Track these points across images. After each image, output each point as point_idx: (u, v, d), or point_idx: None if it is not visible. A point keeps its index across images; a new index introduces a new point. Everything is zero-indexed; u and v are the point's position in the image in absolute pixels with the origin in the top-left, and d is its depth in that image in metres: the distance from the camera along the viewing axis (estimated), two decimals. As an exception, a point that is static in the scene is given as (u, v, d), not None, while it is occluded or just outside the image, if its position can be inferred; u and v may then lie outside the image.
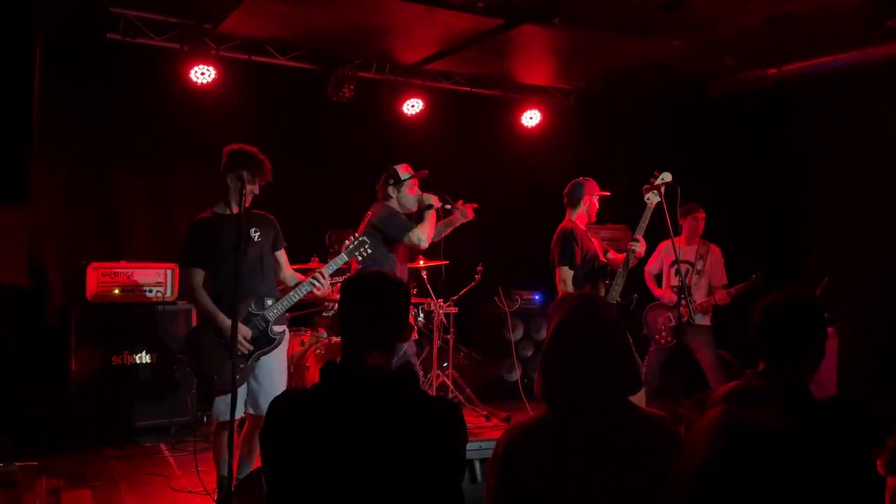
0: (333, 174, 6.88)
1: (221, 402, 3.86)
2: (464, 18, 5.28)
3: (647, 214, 4.60)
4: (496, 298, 6.77)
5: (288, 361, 5.52)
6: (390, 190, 4.69)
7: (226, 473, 4.01)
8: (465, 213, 4.88)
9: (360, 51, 6.46)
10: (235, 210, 3.90)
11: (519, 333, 7.04)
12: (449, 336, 6.29)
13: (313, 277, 3.98)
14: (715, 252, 5.74)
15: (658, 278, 5.84)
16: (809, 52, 5.92)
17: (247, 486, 3.50)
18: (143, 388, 5.31)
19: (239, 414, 3.90)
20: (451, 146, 7.27)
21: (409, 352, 4.60)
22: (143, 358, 5.39)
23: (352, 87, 6.42)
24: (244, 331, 3.81)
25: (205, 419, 5.54)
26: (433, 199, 4.67)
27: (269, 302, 3.94)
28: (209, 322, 3.86)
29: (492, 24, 5.45)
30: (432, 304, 6.19)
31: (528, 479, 1.84)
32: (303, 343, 5.67)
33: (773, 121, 6.70)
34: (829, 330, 5.85)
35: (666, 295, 5.62)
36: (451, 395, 6.17)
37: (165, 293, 5.56)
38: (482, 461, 2.72)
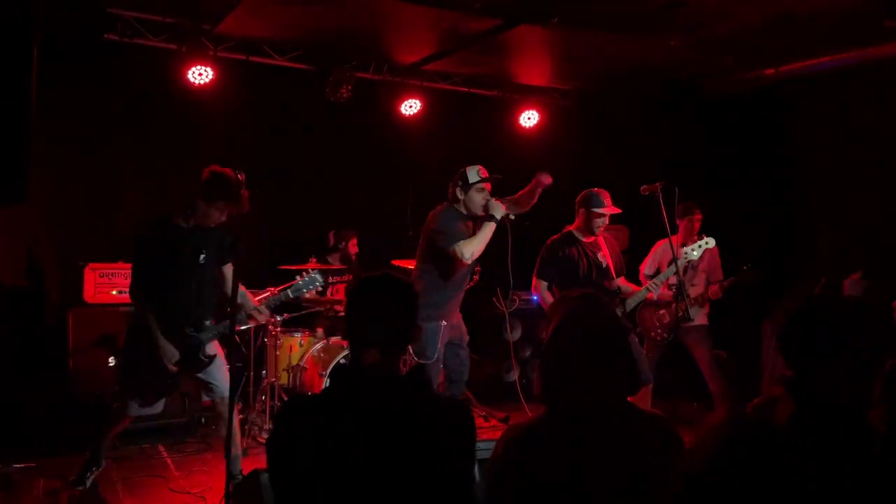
0: (331, 175, 6.88)
1: (135, 405, 4.02)
2: (461, 19, 5.28)
3: (679, 268, 4.69)
4: (494, 299, 6.76)
5: (286, 363, 5.55)
6: (458, 192, 4.51)
7: (102, 454, 4.19)
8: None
9: (358, 51, 6.46)
10: (192, 222, 3.96)
11: (517, 334, 7.04)
12: (447, 336, 6.28)
13: (254, 310, 4.05)
14: (713, 249, 5.76)
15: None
16: (808, 53, 5.92)
17: (246, 487, 3.49)
18: (140, 389, 5.29)
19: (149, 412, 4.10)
20: (449, 147, 7.25)
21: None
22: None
23: (350, 87, 6.42)
24: (172, 352, 3.88)
25: (202, 420, 5.54)
26: (500, 210, 4.40)
27: (207, 324, 4.01)
28: (144, 335, 3.91)
29: (489, 25, 5.44)
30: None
31: (526, 480, 1.84)
32: (301, 344, 5.66)
33: (772, 121, 6.70)
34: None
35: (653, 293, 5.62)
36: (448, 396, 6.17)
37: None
38: (481, 462, 2.71)
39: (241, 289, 4.16)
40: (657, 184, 4.65)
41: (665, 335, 5.61)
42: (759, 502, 1.27)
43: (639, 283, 5.29)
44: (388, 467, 1.82)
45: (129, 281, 5.46)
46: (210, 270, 4.00)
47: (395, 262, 6.25)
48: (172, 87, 5.88)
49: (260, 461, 4.88)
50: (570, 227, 4.95)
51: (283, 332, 5.59)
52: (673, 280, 5.17)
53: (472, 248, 4.30)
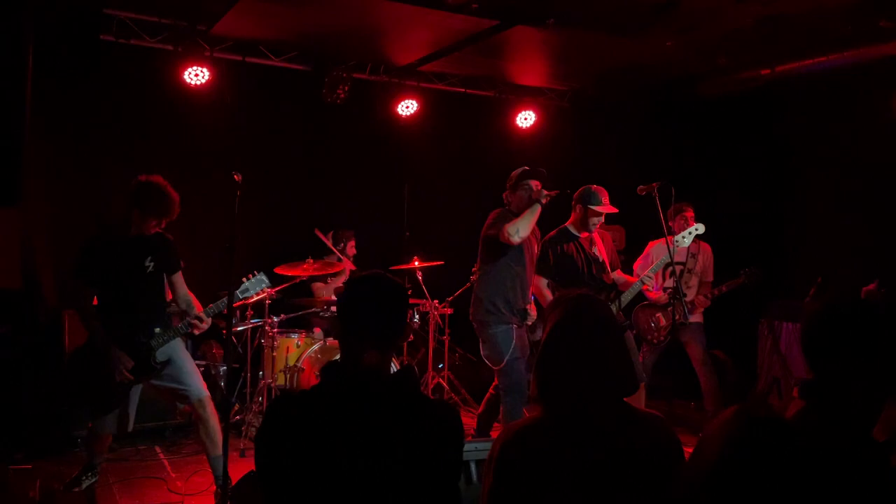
0: (328, 175, 6.88)
1: (108, 418, 4.03)
2: (458, 19, 5.28)
3: (671, 257, 4.71)
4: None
5: (283, 364, 5.55)
6: (506, 195, 4.73)
7: (98, 462, 4.18)
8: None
9: (355, 52, 6.45)
10: (134, 232, 3.98)
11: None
12: (444, 337, 6.29)
13: (197, 317, 4.04)
14: (706, 250, 5.77)
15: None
16: (802, 53, 5.94)
17: (243, 489, 3.49)
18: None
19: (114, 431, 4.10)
20: (446, 147, 7.27)
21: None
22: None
23: (346, 88, 6.42)
24: (126, 360, 3.88)
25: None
26: (543, 193, 4.54)
27: (157, 330, 4.01)
28: (93, 343, 3.93)
29: (486, 25, 5.45)
30: (428, 305, 6.19)
31: (523, 480, 1.84)
32: (298, 345, 5.66)
33: (766, 121, 6.72)
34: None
35: (655, 295, 5.63)
36: (446, 397, 6.17)
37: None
38: (478, 462, 2.71)
39: (189, 295, 4.21)
40: (653, 184, 4.66)
41: (662, 338, 5.62)
42: (762, 499, 1.28)
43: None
44: (385, 468, 1.82)
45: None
46: (158, 277, 4.02)
47: (394, 268, 6.27)
48: (168, 88, 5.88)
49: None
50: (566, 224, 4.95)
51: (279, 333, 5.59)
52: (670, 283, 5.19)
53: (517, 226, 4.41)
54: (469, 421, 5.94)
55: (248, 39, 6.12)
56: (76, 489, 4.11)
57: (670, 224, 5.66)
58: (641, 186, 4.71)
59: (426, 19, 5.35)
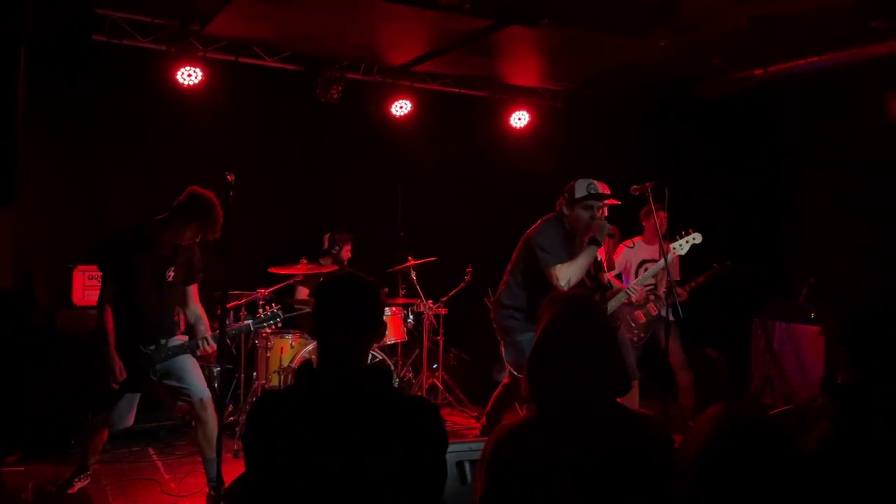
0: (321, 176, 6.87)
1: (116, 412, 4.01)
2: (452, 19, 5.28)
3: (661, 268, 4.70)
4: (486, 299, 6.76)
5: (277, 364, 5.54)
6: (563, 206, 4.30)
7: (90, 462, 4.18)
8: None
9: (348, 52, 6.44)
10: (165, 238, 3.93)
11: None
12: (439, 337, 6.29)
13: (203, 339, 4.01)
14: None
15: (619, 278, 5.83)
16: (796, 53, 5.96)
17: (237, 490, 3.48)
18: (130, 392, 5.26)
19: (126, 424, 4.10)
20: (440, 147, 7.27)
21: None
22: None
23: (340, 88, 6.41)
24: (121, 369, 3.85)
25: (193, 423, 5.50)
26: (606, 232, 4.16)
27: (162, 342, 3.98)
28: (97, 341, 3.89)
29: (480, 25, 5.45)
30: (422, 306, 6.19)
31: (518, 479, 1.84)
32: (292, 346, 5.64)
33: (762, 121, 6.73)
34: (816, 329, 5.90)
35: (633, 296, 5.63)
36: (441, 397, 6.17)
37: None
38: (472, 462, 2.71)
39: (200, 310, 4.17)
40: (647, 184, 4.66)
41: (641, 335, 5.64)
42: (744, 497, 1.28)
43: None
44: (364, 466, 1.84)
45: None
46: (177, 288, 3.97)
47: (391, 270, 6.26)
48: (161, 88, 5.86)
49: (251, 463, 4.87)
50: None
51: (273, 334, 5.58)
52: (649, 280, 5.22)
53: (570, 274, 4.10)
54: (463, 421, 5.95)
55: (241, 39, 6.11)
56: (69, 490, 4.10)
57: (643, 223, 5.71)
58: (635, 186, 4.72)
59: (420, 19, 5.34)
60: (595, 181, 4.72)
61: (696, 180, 6.75)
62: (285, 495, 1.85)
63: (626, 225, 6.01)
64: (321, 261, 6.15)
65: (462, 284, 6.31)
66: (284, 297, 5.86)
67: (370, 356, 2.60)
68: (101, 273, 3.97)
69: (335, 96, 6.41)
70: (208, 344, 4.00)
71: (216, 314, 4.09)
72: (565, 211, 4.28)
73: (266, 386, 5.48)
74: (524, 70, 7.06)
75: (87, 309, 5.32)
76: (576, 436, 1.85)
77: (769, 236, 6.72)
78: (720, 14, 5.16)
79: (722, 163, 6.96)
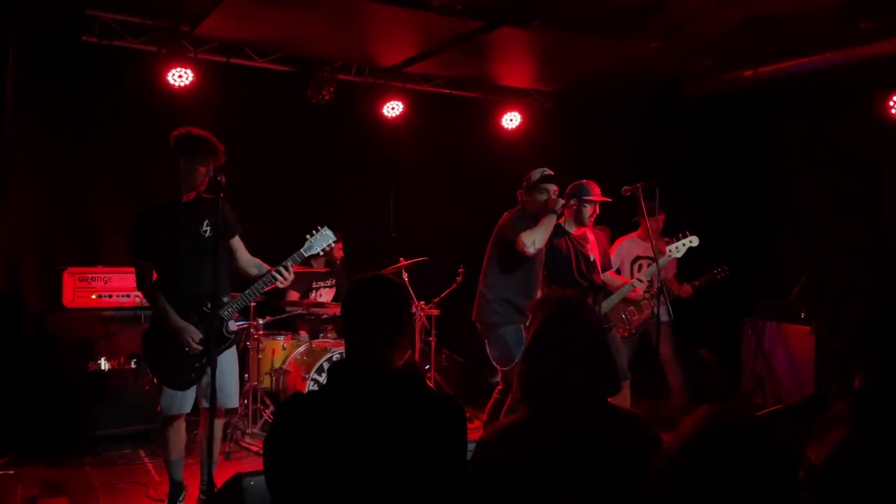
0: (313, 177, 6.86)
1: (169, 397, 3.85)
2: (443, 21, 5.28)
3: (658, 266, 4.72)
4: (478, 300, 6.77)
5: (269, 366, 5.52)
6: (522, 194, 4.65)
7: (179, 478, 4.02)
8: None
9: (340, 53, 6.44)
10: (185, 198, 3.85)
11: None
12: (431, 338, 6.29)
13: (277, 271, 3.87)
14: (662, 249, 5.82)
15: (618, 273, 5.85)
16: (785, 54, 5.99)
17: (227, 492, 3.47)
18: (120, 395, 5.24)
19: (185, 410, 3.91)
20: (432, 148, 7.27)
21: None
22: (121, 364, 5.32)
23: (331, 89, 6.40)
24: (195, 333, 3.77)
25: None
26: (559, 203, 4.49)
27: (225, 299, 3.87)
28: (159, 320, 3.81)
29: (471, 27, 5.45)
30: (414, 307, 6.18)
31: (510, 479, 1.84)
32: (283, 347, 5.63)
33: (753, 121, 6.76)
34: (806, 329, 5.93)
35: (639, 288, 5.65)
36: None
37: (143, 298, 5.50)
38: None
39: (256, 259, 4.05)
40: (638, 184, 4.68)
41: (633, 331, 5.67)
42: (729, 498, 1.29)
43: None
44: (395, 466, 1.84)
45: (108, 286, 5.50)
46: (216, 243, 3.73)
47: (385, 271, 6.25)
48: (152, 89, 5.84)
49: (242, 466, 4.85)
50: (559, 220, 4.95)
51: (265, 336, 5.57)
52: (655, 281, 5.22)
53: (534, 237, 4.36)
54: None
55: (232, 40, 6.10)
56: None
57: (639, 220, 5.73)
58: (626, 187, 4.74)
59: (411, 20, 5.34)
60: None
61: (688, 180, 6.77)
62: (312, 496, 1.85)
63: (619, 224, 6.04)
64: (313, 262, 6.13)
65: (454, 285, 6.31)
66: (275, 299, 5.85)
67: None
68: (135, 258, 3.86)
69: (326, 97, 6.40)
70: (286, 271, 3.86)
71: (206, 309, 3.99)
72: (524, 198, 4.59)
73: (258, 387, 5.46)
74: (516, 71, 7.07)
75: (77, 311, 5.32)
76: (568, 435, 1.85)
77: (758, 236, 6.75)
78: (710, 15, 5.18)
79: (713, 163, 6.98)
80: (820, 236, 6.21)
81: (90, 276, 5.40)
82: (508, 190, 7.38)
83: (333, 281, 6.33)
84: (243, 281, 4.06)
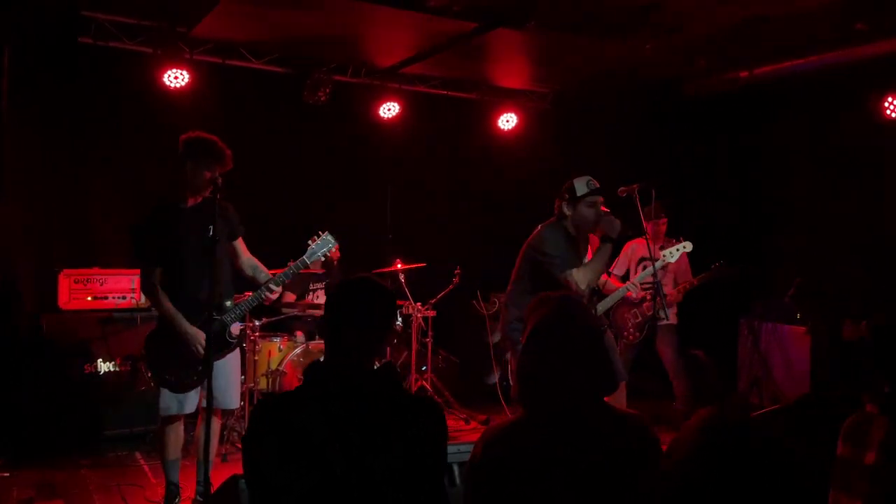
0: (309, 178, 6.85)
1: (169, 398, 3.84)
2: (439, 22, 5.28)
3: (657, 269, 4.70)
4: (474, 301, 6.77)
5: (265, 368, 5.51)
6: (565, 207, 4.04)
7: (175, 479, 4.01)
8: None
9: (336, 54, 6.44)
10: (191, 202, 3.85)
11: (497, 336, 7.03)
12: (427, 339, 6.29)
13: (265, 287, 3.92)
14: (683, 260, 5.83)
15: (624, 279, 5.86)
16: (781, 55, 6.00)
17: (224, 493, 3.46)
18: (116, 396, 5.23)
19: (186, 411, 3.90)
20: (428, 149, 7.27)
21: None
22: (117, 366, 5.31)
23: (327, 90, 6.40)
24: (200, 337, 3.77)
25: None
26: (616, 227, 3.92)
27: (228, 304, 3.89)
28: (167, 324, 3.80)
29: (467, 28, 5.46)
30: (410, 308, 6.18)
31: (509, 479, 1.84)
32: (280, 349, 5.62)
33: (750, 122, 6.78)
34: (802, 329, 5.94)
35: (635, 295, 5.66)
36: (429, 399, 6.16)
37: (139, 300, 5.50)
38: (461, 464, 2.71)
39: (255, 261, 4.06)
40: (634, 185, 4.68)
41: (638, 335, 5.67)
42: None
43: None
44: (373, 466, 1.85)
45: (104, 287, 5.49)
46: (221, 247, 3.79)
47: (377, 271, 6.24)
48: (148, 90, 5.83)
49: (239, 467, 4.83)
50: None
51: (261, 337, 5.56)
52: (647, 280, 5.23)
53: (588, 277, 3.91)
54: (452, 423, 5.94)
55: (228, 41, 6.09)
56: None
57: (644, 224, 5.72)
58: (622, 188, 4.73)
59: (407, 22, 5.34)
60: (591, 178, 4.73)
61: (686, 181, 6.79)
62: (289, 497, 1.84)
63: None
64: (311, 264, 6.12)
65: (450, 287, 6.31)
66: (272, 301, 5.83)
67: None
68: (141, 262, 3.85)
69: (323, 98, 6.40)
70: (271, 291, 3.91)
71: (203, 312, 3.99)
72: (567, 211, 4.05)
73: (255, 389, 5.45)
74: (512, 72, 7.08)
75: (73, 313, 5.30)
76: (567, 435, 1.85)
77: (753, 237, 6.76)
78: (706, 17, 5.19)
79: (708, 163, 7.00)
80: (818, 236, 6.23)
81: (86, 277, 5.39)
82: (505, 190, 7.45)
83: (331, 283, 6.33)
84: (244, 282, 4.08)
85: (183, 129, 6.19)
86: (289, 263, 4.10)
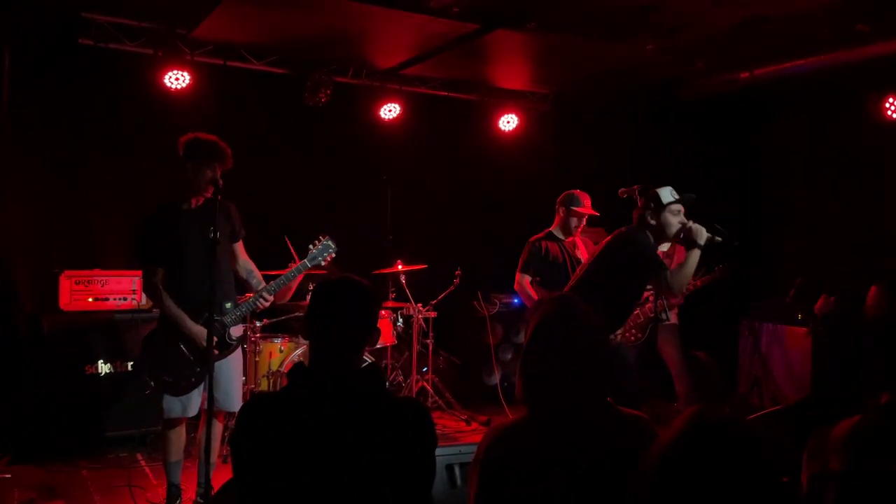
0: (310, 179, 6.85)
1: (171, 400, 3.85)
2: (439, 23, 5.29)
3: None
4: (475, 302, 6.77)
5: (266, 369, 5.51)
6: (648, 216, 4.01)
7: (177, 481, 4.02)
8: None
9: (337, 55, 6.44)
10: (194, 203, 3.86)
11: (498, 337, 7.05)
12: (428, 341, 6.29)
13: (258, 296, 3.95)
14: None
15: None
16: (781, 55, 6.00)
17: (225, 496, 3.46)
18: (117, 398, 5.23)
19: (189, 413, 3.92)
20: (429, 151, 7.28)
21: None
22: (118, 367, 5.32)
23: (328, 91, 6.40)
24: (204, 333, 3.76)
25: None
26: (703, 234, 3.91)
27: (228, 306, 3.90)
28: (169, 325, 3.81)
29: (467, 29, 5.46)
30: (411, 309, 6.18)
31: (513, 479, 1.84)
32: (281, 350, 5.62)
33: (748, 123, 6.78)
34: (803, 330, 5.94)
35: None
36: (430, 400, 6.16)
37: (140, 301, 5.50)
38: (462, 465, 2.71)
39: (250, 263, 4.09)
40: (634, 187, 4.69)
41: (639, 335, 5.67)
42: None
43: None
44: (356, 468, 1.85)
45: (105, 288, 5.49)
46: (223, 249, 3.80)
47: (378, 272, 6.25)
48: (148, 92, 5.82)
49: (240, 469, 4.84)
50: (551, 227, 5.01)
51: (262, 338, 5.56)
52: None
53: (682, 282, 3.91)
54: (453, 424, 5.94)
55: (228, 43, 6.09)
56: None
57: None
58: (622, 189, 4.75)
59: (408, 23, 5.35)
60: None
61: (683, 182, 6.77)
62: (275, 497, 1.84)
63: (612, 228, 6.05)
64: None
65: (451, 288, 6.31)
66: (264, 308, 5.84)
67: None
68: (143, 263, 3.88)
69: (323, 100, 6.40)
70: (265, 300, 3.94)
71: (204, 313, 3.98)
72: (651, 220, 4.00)
73: (256, 390, 5.45)
74: (512, 73, 7.08)
75: (74, 314, 5.30)
76: (569, 435, 1.86)
77: (754, 238, 6.76)
78: (705, 18, 5.20)
79: (708, 164, 7.00)
80: (818, 236, 6.23)
81: (87, 278, 5.39)
82: (506, 191, 7.45)
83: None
84: (237, 284, 4.09)
85: (183, 131, 6.21)
86: (289, 265, 4.11)
